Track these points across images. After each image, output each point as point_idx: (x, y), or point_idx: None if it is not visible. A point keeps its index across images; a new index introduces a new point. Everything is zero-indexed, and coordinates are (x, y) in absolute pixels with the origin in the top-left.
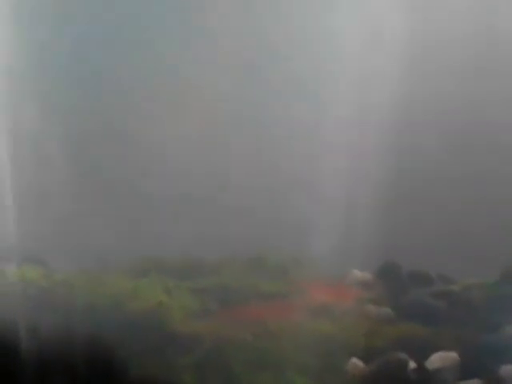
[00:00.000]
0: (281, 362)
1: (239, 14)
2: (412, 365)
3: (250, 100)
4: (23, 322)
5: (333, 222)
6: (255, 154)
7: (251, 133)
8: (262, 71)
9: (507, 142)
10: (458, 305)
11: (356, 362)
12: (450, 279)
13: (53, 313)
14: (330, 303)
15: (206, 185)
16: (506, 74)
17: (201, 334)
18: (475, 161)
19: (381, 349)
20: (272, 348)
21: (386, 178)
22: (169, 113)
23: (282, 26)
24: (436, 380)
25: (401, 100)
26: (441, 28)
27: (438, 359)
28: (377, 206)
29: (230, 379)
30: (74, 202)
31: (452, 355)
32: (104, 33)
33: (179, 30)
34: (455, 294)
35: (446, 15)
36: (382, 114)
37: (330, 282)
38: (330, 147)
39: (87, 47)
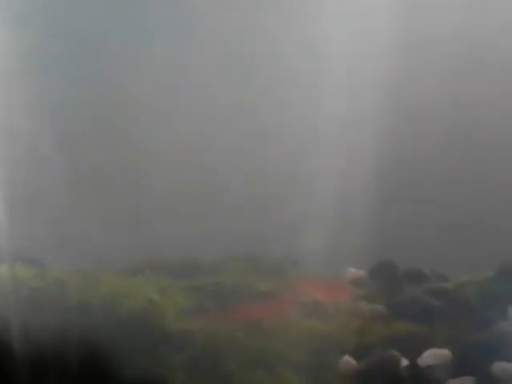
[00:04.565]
0: (274, 360)
1: (237, 12)
2: (404, 362)
3: (247, 101)
4: (15, 321)
5: (327, 221)
6: (250, 153)
7: (247, 132)
8: (258, 69)
9: (503, 138)
10: (451, 302)
11: (348, 360)
12: (444, 277)
13: (45, 312)
14: (324, 301)
15: (201, 184)
16: (496, 69)
17: (194, 333)
18: (470, 157)
19: (374, 346)
20: (266, 346)
21: (381, 177)
22: (166, 111)
23: (276, 24)
24: (428, 377)
25: (394, 97)
26: (430, 25)
27: (430, 356)
28: (371, 204)
29: (223, 377)
30: (69, 202)
31: (444, 352)
32: (100, 33)
33: (176, 29)
34: (449, 292)
35: (435, 12)
36: (375, 112)
37: (325, 280)
38: (324, 146)
39: (83, 47)
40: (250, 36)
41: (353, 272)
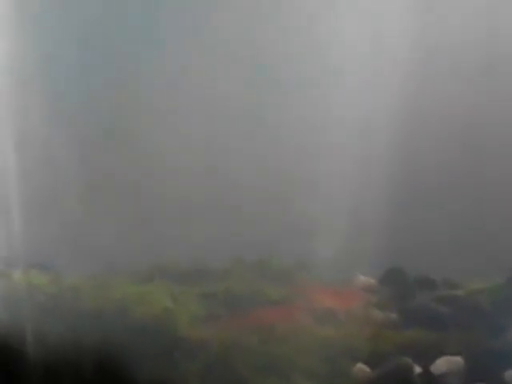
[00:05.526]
0: (287, 366)
1: (245, 15)
2: (417, 370)
3: (255, 102)
4: (30, 326)
5: (338, 227)
6: (260, 156)
7: (256, 135)
8: (267, 72)
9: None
10: (462, 309)
11: (362, 367)
12: (454, 284)
13: (60, 318)
14: (335, 308)
15: (211, 189)
16: (509, 76)
17: (207, 339)
18: (482, 164)
19: (386, 354)
20: (278, 353)
21: (391, 183)
22: (174, 116)
23: (286, 27)
24: None
25: (406, 102)
26: (443, 31)
27: (443, 364)
28: (382, 210)
29: None
30: (81, 207)
31: (457, 360)
32: (109, 38)
33: (182, 32)
34: (460, 299)
35: (449, 18)
36: (387, 116)
37: (336, 287)
38: (335, 150)
39: (92, 52)
40: (257, 41)
41: (363, 279)
